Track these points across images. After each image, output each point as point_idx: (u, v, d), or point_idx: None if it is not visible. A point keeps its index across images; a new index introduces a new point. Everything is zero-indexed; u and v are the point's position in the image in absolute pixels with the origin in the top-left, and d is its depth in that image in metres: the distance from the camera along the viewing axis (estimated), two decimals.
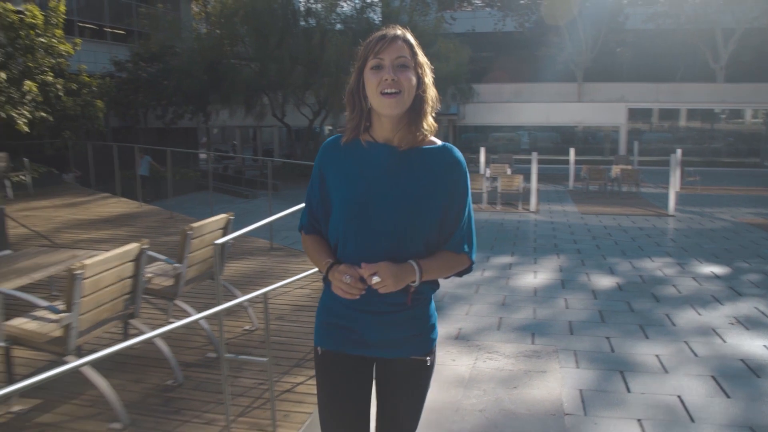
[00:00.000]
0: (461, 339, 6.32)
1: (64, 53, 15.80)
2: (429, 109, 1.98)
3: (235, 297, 4.76)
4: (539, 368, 5.50)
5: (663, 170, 19.91)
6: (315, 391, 2.52)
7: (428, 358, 2.08)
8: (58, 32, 15.69)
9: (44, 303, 3.52)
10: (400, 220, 1.93)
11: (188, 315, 4.28)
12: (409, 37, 1.95)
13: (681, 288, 8.30)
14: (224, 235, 4.91)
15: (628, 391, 5.03)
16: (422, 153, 1.98)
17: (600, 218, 14.80)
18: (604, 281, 8.71)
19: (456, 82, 26.19)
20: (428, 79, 1.97)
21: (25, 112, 14.86)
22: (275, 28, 22.65)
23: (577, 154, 23.05)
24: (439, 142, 2.03)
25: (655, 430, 4.36)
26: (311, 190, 2.11)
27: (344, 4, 27.15)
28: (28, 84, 14.69)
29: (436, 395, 4.75)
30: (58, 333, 3.45)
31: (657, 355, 5.84)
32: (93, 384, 3.45)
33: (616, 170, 20.41)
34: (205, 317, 2.89)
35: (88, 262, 3.39)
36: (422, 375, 2.09)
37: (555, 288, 8.38)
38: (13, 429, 3.48)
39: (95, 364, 3.47)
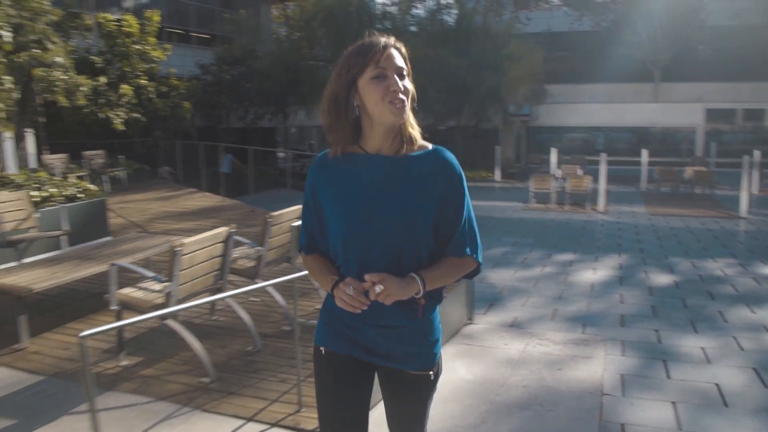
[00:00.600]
0: (515, 326, 6.76)
1: (156, 59, 17.04)
2: (413, 119, 2.02)
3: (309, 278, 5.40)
4: (585, 354, 5.90)
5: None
6: None
7: (431, 372, 2.09)
8: (152, 40, 16.94)
9: (151, 274, 4.24)
10: (400, 230, 1.93)
11: (269, 294, 4.94)
12: (400, 45, 1.98)
13: (739, 287, 8.45)
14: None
15: (668, 377, 5.36)
16: (414, 159, 1.97)
17: (668, 219, 14.82)
18: (662, 279, 8.94)
19: (529, 82, 26.33)
20: (413, 89, 2.00)
21: (121, 113, 16.12)
22: (351, 30, 23.43)
23: (652, 155, 22.85)
24: (429, 146, 2.03)
25: (688, 411, 4.70)
26: (306, 209, 2.12)
27: (419, 6, 27.73)
28: (124, 88, 15.95)
29: (484, 372, 5.24)
30: (160, 300, 4.15)
31: (702, 348, 6.12)
32: (188, 345, 4.14)
33: (689, 172, 20.17)
34: (282, 296, 3.50)
35: (186, 241, 4.07)
36: (425, 388, 2.11)
37: (612, 284, 8.68)
38: (121, 379, 4.20)
39: (191, 329, 4.16)
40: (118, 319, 4.33)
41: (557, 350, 5.99)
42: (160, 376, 4.22)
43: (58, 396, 3.98)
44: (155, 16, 17.25)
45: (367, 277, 1.85)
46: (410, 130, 1.97)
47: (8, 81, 9.67)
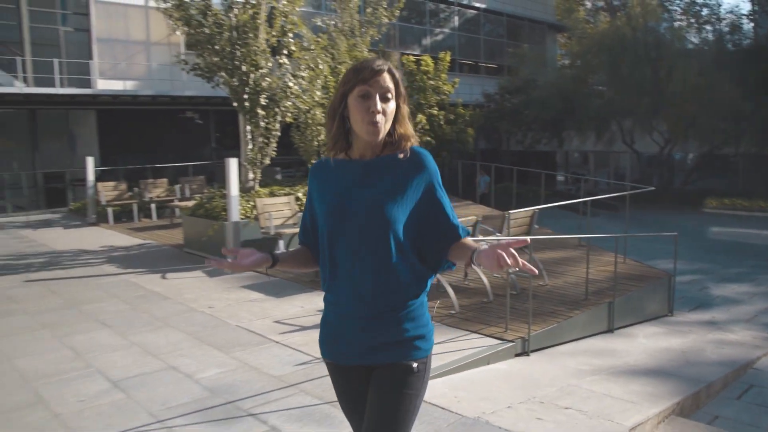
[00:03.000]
0: (710, 323, 8.16)
1: (446, 92, 20.31)
2: (406, 133, 2.13)
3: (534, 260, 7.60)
4: (757, 344, 7.20)
5: None
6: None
7: (415, 364, 2.11)
8: (443, 76, 20.25)
9: None
10: (372, 228, 2.04)
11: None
12: (394, 70, 2.10)
13: None
14: (531, 223, 7.76)
15: None
16: (388, 160, 2.11)
17: None
18: None
19: None
20: (406, 108, 2.14)
21: (416, 137, 19.56)
22: (626, 60, 24.55)
23: None
24: (408, 149, 2.14)
25: None
26: (305, 209, 2.30)
27: (706, 28, 27.70)
28: (420, 117, 19.39)
29: (681, 345, 6.93)
30: None
31: None
32: (446, 291, 6.62)
33: None
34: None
35: None
36: (409, 383, 2.10)
37: None
38: None
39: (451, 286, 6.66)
40: None
41: (735, 338, 7.37)
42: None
43: None
44: (447, 57, 20.54)
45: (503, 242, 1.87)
46: (401, 141, 2.12)
47: None
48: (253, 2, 10.08)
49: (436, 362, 5.16)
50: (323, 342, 2.23)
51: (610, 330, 7.00)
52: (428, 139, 20.14)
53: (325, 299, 2.21)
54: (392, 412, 2.08)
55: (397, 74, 2.11)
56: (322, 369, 4.87)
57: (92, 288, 8.06)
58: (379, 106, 2.03)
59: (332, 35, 15.91)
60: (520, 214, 7.57)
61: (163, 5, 9.89)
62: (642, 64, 24.29)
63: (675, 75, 23.72)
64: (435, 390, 4.59)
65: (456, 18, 31.64)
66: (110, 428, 4.02)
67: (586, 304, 6.96)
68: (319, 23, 17.19)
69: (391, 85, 2.07)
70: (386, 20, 17.65)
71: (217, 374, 4.97)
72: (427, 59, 20.48)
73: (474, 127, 22.83)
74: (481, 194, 21.09)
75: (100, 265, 9.53)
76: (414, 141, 2.15)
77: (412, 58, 20.87)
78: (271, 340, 5.79)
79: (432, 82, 20.21)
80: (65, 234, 13.24)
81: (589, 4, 35.48)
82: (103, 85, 20.25)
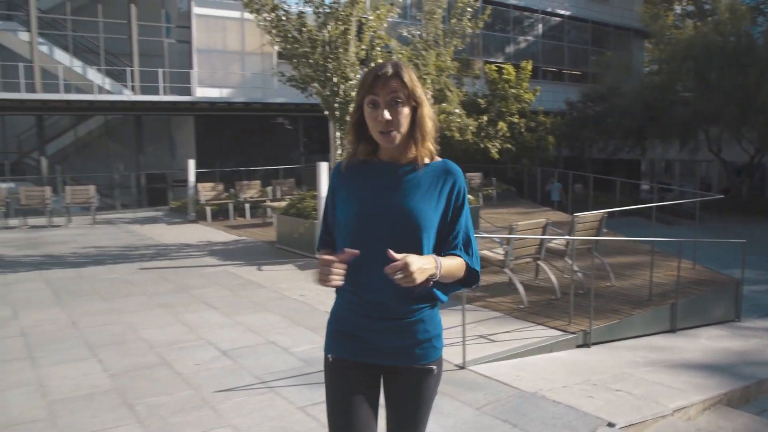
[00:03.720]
0: None
1: (527, 100, 20.72)
2: (427, 136, 2.12)
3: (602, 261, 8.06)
4: None
5: None
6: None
7: (434, 367, 2.17)
8: (525, 84, 20.68)
9: (498, 239, 7.42)
10: (403, 234, 2.04)
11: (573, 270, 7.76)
12: (403, 72, 2.04)
13: None
14: (599, 227, 8.22)
15: None
16: (422, 169, 2.11)
17: None
18: None
19: None
20: (425, 109, 2.10)
21: (497, 144, 20.08)
22: (714, 66, 24.17)
23: None
24: (438, 159, 2.17)
25: None
26: (326, 210, 2.26)
27: None
28: (501, 124, 19.89)
29: (740, 347, 7.26)
30: (500, 256, 7.29)
31: None
32: (515, 288, 7.20)
33: None
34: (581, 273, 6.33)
35: (520, 222, 7.15)
36: (429, 384, 2.17)
37: None
38: (475, 299, 7.41)
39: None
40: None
41: None
42: (498, 302, 7.35)
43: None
44: (528, 66, 20.96)
45: (390, 252, 1.89)
46: (420, 146, 2.11)
47: None
48: (344, 18, 10.91)
49: (502, 347, 5.79)
50: (335, 339, 2.21)
51: (672, 330, 7.39)
52: (509, 146, 20.62)
53: (341, 298, 2.22)
54: (414, 413, 2.19)
55: (409, 76, 2.06)
56: None
57: (197, 276, 9.05)
58: (387, 114, 2.02)
59: (417, 46, 16.67)
60: (588, 217, 8.05)
61: (262, 23, 10.85)
62: (731, 70, 23.85)
63: (766, 82, 23.19)
64: (499, 369, 5.21)
65: (540, 25, 31.82)
66: (223, 385, 4.84)
67: (650, 304, 7.38)
68: (405, 34, 17.99)
69: (400, 87, 2.04)
70: (470, 30, 18.22)
71: (309, 349, 5.73)
72: (509, 68, 20.96)
73: (555, 135, 23.09)
74: (554, 201, 21.30)
75: (202, 257, 10.59)
76: (432, 145, 2.15)
77: (494, 67, 21.39)
78: None
79: (513, 91, 20.67)
80: (169, 229, 14.51)
81: (678, 9, 34.92)
82: (202, 92, 21.71)
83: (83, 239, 12.94)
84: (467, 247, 2.14)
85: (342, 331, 2.19)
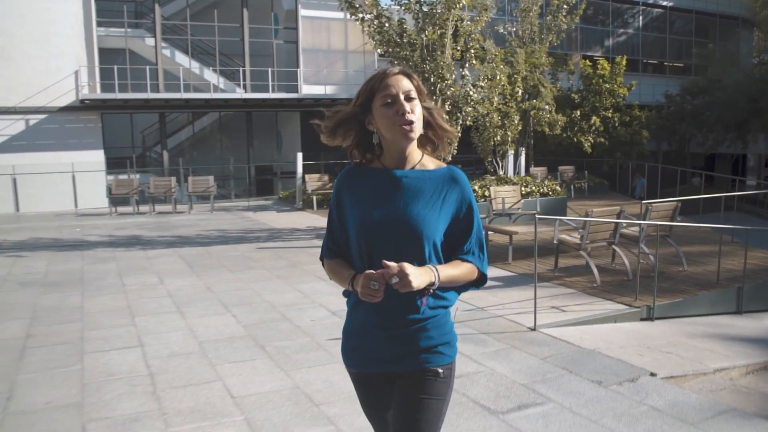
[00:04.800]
0: None
1: (621, 95, 20.99)
2: (445, 135, 2.21)
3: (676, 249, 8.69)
4: None
5: None
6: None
7: (440, 369, 2.16)
8: (619, 79, 20.93)
9: (574, 224, 8.23)
10: (403, 239, 2.06)
11: (644, 253, 8.44)
12: (409, 72, 2.12)
13: None
14: (673, 215, 8.84)
15: None
16: (429, 175, 2.14)
17: None
18: None
19: None
20: (435, 113, 2.17)
21: (590, 138, 20.47)
22: None
23: None
24: (444, 165, 2.20)
25: None
26: (331, 217, 2.26)
27: None
28: (594, 119, 20.28)
29: None
30: (577, 240, 8.09)
31: None
32: (590, 268, 7.98)
33: None
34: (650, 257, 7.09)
35: (595, 209, 7.94)
36: (434, 388, 2.15)
37: None
38: (553, 278, 8.24)
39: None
40: (557, 250, 8.44)
41: None
42: (574, 281, 8.16)
43: (517, 283, 8.23)
44: (623, 61, 21.18)
45: (385, 263, 1.92)
46: (427, 149, 2.19)
47: (516, 118, 14.90)
48: (441, 23, 11.86)
49: (570, 316, 6.64)
50: (347, 352, 2.27)
51: (738, 312, 7.94)
52: (602, 140, 20.95)
53: (351, 310, 2.25)
54: (418, 418, 2.14)
55: (414, 76, 2.12)
56: (480, 313, 6.52)
57: (307, 255, 10.31)
58: (407, 106, 2.05)
59: (512, 45, 17.40)
60: (662, 206, 8.69)
61: (366, 29, 11.98)
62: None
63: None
64: (565, 332, 6.07)
65: (641, 17, 31.51)
66: (334, 335, 5.95)
67: (717, 286, 7.97)
68: (501, 30, 18.71)
69: (411, 85, 2.10)
70: (565, 26, 18.72)
71: None
72: (604, 62, 21.27)
73: (650, 129, 23.13)
74: (638, 197, 21.37)
75: (310, 240, 11.89)
76: (454, 137, 2.21)
77: (588, 62, 21.74)
78: None
79: (607, 86, 20.97)
80: (279, 216, 16.02)
81: None
82: (307, 89, 23.23)
83: (205, 223, 14.61)
84: (479, 252, 2.19)
85: (351, 346, 2.25)
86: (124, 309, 7.08)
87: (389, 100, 2.06)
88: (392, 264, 1.91)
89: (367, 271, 1.97)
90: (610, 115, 21.23)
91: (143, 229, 13.88)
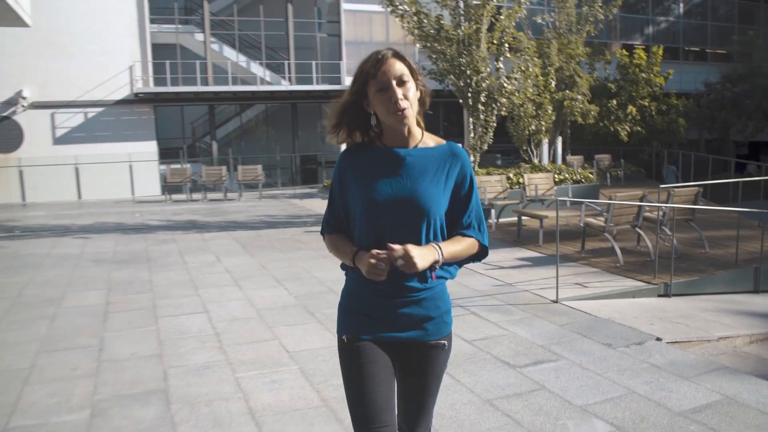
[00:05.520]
0: None
1: (658, 84, 21.24)
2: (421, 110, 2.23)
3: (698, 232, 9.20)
4: None
5: None
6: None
7: (445, 342, 2.26)
8: (656, 69, 21.19)
9: (598, 209, 8.82)
10: (409, 216, 2.11)
11: (668, 235, 8.97)
12: (402, 53, 2.14)
13: None
14: (695, 200, 9.34)
15: None
16: (430, 152, 2.19)
17: None
18: None
19: None
20: (425, 94, 2.20)
21: (626, 127, 20.83)
22: None
23: None
24: (443, 142, 2.25)
25: None
26: (332, 193, 2.30)
27: None
28: (631, 108, 20.61)
29: None
30: (602, 222, 8.68)
31: None
32: (614, 249, 8.57)
33: None
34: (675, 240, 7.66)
35: (618, 194, 8.52)
36: (439, 358, 2.27)
37: None
38: (574, 259, 8.85)
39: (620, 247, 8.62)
40: (584, 234, 9.04)
41: None
42: (598, 261, 8.75)
43: (545, 263, 8.84)
44: (660, 50, 21.42)
45: (389, 245, 1.99)
46: (419, 127, 2.24)
47: (550, 108, 15.42)
48: (477, 18, 12.47)
49: (591, 291, 7.26)
50: (347, 318, 2.28)
51: (756, 291, 8.43)
52: (638, 129, 21.26)
53: (351, 279, 2.29)
54: (424, 387, 2.28)
55: (407, 57, 2.14)
56: (508, 288, 7.20)
57: None
58: (399, 92, 2.08)
59: (548, 36, 17.83)
60: (683, 191, 9.19)
61: (406, 25, 12.65)
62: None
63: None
64: (584, 305, 6.70)
65: (681, 4, 31.41)
66: None
67: (734, 267, 8.47)
68: (539, 20, 19.14)
69: (403, 67, 2.11)
70: (602, 17, 19.03)
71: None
72: (640, 52, 21.54)
73: (690, 118, 23.28)
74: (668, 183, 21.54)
75: None
76: (422, 124, 2.25)
77: (625, 51, 22.01)
78: (478, 272, 8.21)
79: (644, 75, 21.24)
80: (323, 203, 16.82)
81: None
82: (350, 82, 23.92)
83: (255, 210, 15.53)
84: (479, 225, 2.26)
85: (354, 311, 2.26)
86: (188, 282, 7.95)
87: (381, 87, 2.10)
88: (397, 246, 1.99)
89: (373, 251, 2.04)
90: (646, 104, 21.50)
91: (197, 214, 14.87)
